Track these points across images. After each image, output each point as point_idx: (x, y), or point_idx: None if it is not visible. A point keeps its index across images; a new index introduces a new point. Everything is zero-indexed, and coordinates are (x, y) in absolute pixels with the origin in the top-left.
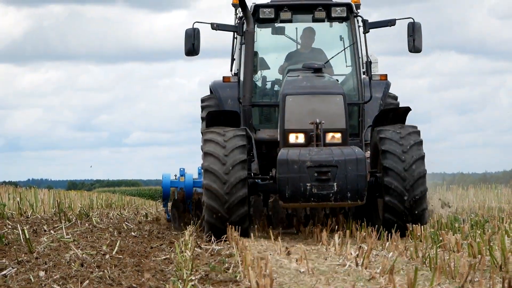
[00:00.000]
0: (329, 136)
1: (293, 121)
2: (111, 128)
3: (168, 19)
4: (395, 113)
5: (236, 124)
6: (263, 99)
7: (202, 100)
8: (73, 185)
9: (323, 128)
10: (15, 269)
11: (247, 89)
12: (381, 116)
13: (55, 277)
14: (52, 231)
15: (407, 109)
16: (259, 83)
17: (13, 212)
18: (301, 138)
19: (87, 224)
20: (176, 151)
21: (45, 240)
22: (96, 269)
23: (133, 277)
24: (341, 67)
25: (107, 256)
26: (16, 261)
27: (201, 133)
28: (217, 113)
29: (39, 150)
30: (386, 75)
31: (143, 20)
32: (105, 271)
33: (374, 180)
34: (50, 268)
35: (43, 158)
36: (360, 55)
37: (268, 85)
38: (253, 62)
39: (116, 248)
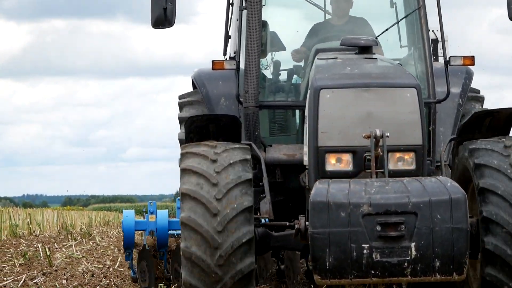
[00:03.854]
0: (396, 157)
1: (333, 133)
2: (108, 143)
3: (168, 34)
4: (495, 119)
5: (235, 137)
6: (275, 97)
7: (181, 106)
8: (69, 201)
9: (386, 145)
10: (43, 278)
11: (252, 81)
12: (471, 123)
13: (73, 285)
14: (63, 249)
15: None
16: (269, 72)
17: (24, 231)
18: (347, 162)
19: (91, 243)
20: (173, 167)
21: (59, 256)
22: (104, 279)
23: (132, 285)
24: (391, 48)
25: (111, 269)
26: (42, 272)
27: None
28: (203, 119)
29: (36, 166)
30: (473, 57)
31: (142, 35)
32: (110, 280)
33: None
34: (69, 278)
35: (39, 173)
36: (428, 29)
37: (283, 76)
38: (260, 39)
39: (118, 263)
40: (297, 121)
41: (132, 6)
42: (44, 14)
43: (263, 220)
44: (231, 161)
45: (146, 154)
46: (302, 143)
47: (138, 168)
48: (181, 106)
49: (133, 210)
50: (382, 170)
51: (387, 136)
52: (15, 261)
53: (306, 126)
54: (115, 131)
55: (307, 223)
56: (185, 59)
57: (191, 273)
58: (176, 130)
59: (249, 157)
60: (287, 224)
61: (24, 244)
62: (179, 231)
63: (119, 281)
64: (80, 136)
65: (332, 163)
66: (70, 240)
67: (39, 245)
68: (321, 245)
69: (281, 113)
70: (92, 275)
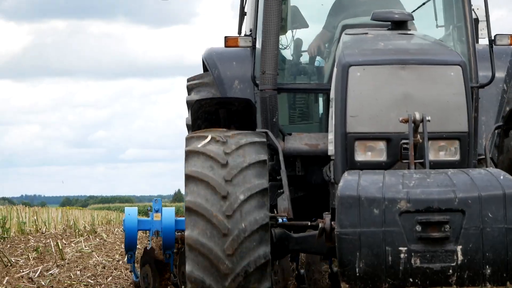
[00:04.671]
0: (437, 146)
1: (364, 118)
2: (107, 144)
3: (168, 35)
4: None
5: (248, 124)
6: (296, 79)
7: (189, 88)
8: (68, 201)
9: (427, 132)
10: (57, 270)
11: (270, 60)
12: None
13: (87, 275)
14: (72, 244)
15: None
16: (288, 53)
17: (31, 229)
18: (380, 151)
19: (97, 239)
20: (172, 167)
21: (69, 250)
22: (114, 271)
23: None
24: (426, 28)
25: (121, 262)
26: (55, 264)
27: (187, 126)
28: (212, 103)
29: (34, 166)
30: None
31: (142, 36)
32: (121, 272)
33: None
34: (82, 270)
35: (38, 174)
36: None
37: (305, 57)
38: (279, 13)
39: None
40: (321, 107)
41: (132, 7)
42: (44, 15)
43: (280, 220)
44: (244, 165)
45: (145, 155)
46: (326, 131)
47: (137, 169)
48: (190, 88)
49: (136, 207)
50: (422, 161)
51: (428, 121)
52: (29, 254)
53: (332, 110)
54: (114, 132)
55: (333, 222)
56: (185, 60)
57: (196, 265)
58: (175, 129)
59: (265, 157)
60: (309, 223)
61: (33, 240)
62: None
63: (129, 273)
64: (79, 137)
65: (363, 152)
66: (77, 236)
67: (50, 239)
68: (350, 248)
69: (302, 98)
70: (104, 267)
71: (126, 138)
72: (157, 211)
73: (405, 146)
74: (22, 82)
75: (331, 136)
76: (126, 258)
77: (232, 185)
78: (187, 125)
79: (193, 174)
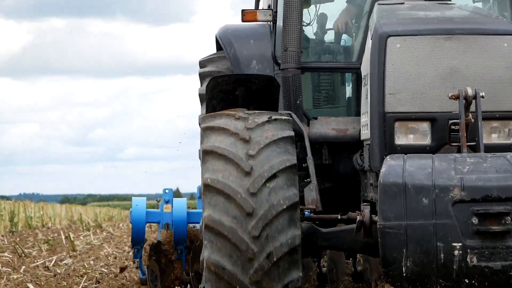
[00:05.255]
0: (489, 128)
1: (405, 95)
2: (106, 143)
3: (167, 34)
4: None
5: (270, 105)
6: (321, 58)
7: (202, 64)
8: (66, 200)
9: (481, 110)
10: (71, 260)
11: (292, 36)
12: None
13: (100, 265)
14: (81, 237)
15: None
16: (311, 32)
17: (37, 223)
18: (424, 133)
19: (104, 233)
20: (171, 166)
21: (79, 243)
22: (126, 261)
23: (129, 275)
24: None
25: (130, 253)
26: (68, 255)
27: (199, 124)
28: (230, 81)
29: (33, 165)
30: None
31: (141, 35)
32: (132, 262)
33: None
34: (94, 259)
35: (37, 173)
36: None
37: (329, 35)
38: None
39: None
40: (348, 89)
41: (131, 5)
42: (43, 13)
43: (307, 212)
44: (269, 140)
45: (144, 153)
46: (354, 116)
47: (135, 168)
48: (203, 64)
49: (145, 198)
50: (473, 144)
51: (482, 97)
52: (41, 246)
53: (366, 89)
54: (113, 131)
55: (374, 216)
56: (184, 59)
57: (215, 250)
58: (174, 129)
59: (292, 133)
60: (339, 217)
61: (41, 234)
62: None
63: (135, 269)
64: (78, 136)
65: (404, 134)
66: (84, 230)
67: (61, 232)
68: (395, 244)
69: (327, 79)
70: (115, 258)
71: (125, 137)
72: (167, 202)
73: (454, 127)
74: (22, 81)
75: (364, 118)
76: (132, 253)
77: (256, 160)
78: (200, 95)
79: (212, 149)
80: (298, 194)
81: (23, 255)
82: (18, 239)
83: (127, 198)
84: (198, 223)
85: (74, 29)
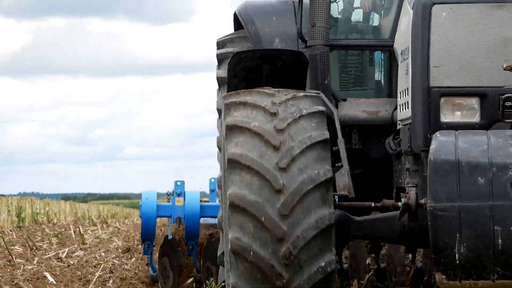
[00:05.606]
0: None
1: (452, 68)
2: (106, 142)
3: (167, 33)
4: None
5: (298, 84)
6: (348, 36)
7: (220, 44)
8: (66, 199)
9: None
10: (82, 252)
11: (320, 11)
12: None
13: (112, 256)
14: (89, 231)
15: None
16: (336, 10)
17: (43, 219)
18: (473, 109)
19: (111, 228)
20: (171, 165)
21: (88, 237)
22: (135, 253)
23: (141, 266)
24: None
25: (139, 246)
26: (79, 248)
27: (217, 111)
28: (254, 56)
29: (33, 164)
30: None
31: (141, 34)
32: (125, 265)
33: None
34: (105, 252)
35: (36, 172)
36: None
37: (357, 14)
38: None
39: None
40: (378, 69)
41: (131, 5)
42: (43, 13)
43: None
44: (299, 114)
45: (144, 153)
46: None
47: (135, 167)
48: (222, 44)
49: (155, 191)
50: None
51: None
52: (51, 239)
53: (406, 63)
54: (113, 130)
55: (423, 200)
56: (184, 58)
57: (241, 229)
58: (174, 129)
59: (323, 108)
60: (372, 205)
61: (48, 230)
62: (213, 220)
63: (146, 266)
64: (78, 135)
65: (450, 111)
66: (90, 225)
67: (71, 226)
68: (448, 228)
69: (355, 59)
70: (126, 250)
71: (125, 136)
72: (179, 195)
73: (508, 103)
74: (21, 80)
75: (403, 97)
76: (142, 249)
77: (285, 134)
78: (218, 78)
79: (238, 123)
80: (331, 170)
81: (34, 247)
82: (26, 234)
83: (127, 197)
84: (212, 217)
85: (74, 28)
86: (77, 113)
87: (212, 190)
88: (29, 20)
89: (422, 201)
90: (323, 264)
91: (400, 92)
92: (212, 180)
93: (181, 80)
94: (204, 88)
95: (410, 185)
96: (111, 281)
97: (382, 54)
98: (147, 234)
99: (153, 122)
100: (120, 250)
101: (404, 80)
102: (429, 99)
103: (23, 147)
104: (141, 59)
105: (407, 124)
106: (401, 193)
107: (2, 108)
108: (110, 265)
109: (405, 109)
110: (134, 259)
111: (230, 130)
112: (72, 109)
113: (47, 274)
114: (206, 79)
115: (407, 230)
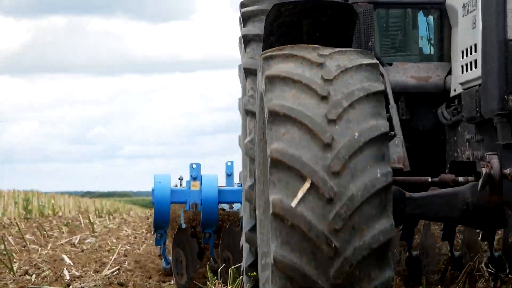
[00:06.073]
0: None
1: None
2: (105, 141)
3: (166, 31)
4: None
5: (343, 42)
6: None
7: (245, 3)
8: None
9: None
10: (93, 239)
11: None
12: None
13: (123, 243)
14: (97, 221)
15: None
16: None
17: (49, 212)
18: None
19: (117, 219)
20: (170, 164)
21: (96, 226)
22: (145, 240)
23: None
24: None
25: (148, 234)
26: (90, 235)
27: (244, 70)
28: (296, 9)
29: (32, 163)
30: None
31: (141, 33)
32: (153, 240)
33: None
34: (116, 239)
35: (36, 171)
36: None
37: None
38: None
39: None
40: (426, 31)
41: (131, 3)
42: (42, 11)
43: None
44: (350, 65)
45: (144, 151)
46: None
47: (134, 166)
48: (247, 3)
49: (169, 174)
50: None
51: None
52: (61, 228)
53: (471, 16)
54: (113, 129)
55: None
56: (183, 56)
57: (283, 186)
58: (174, 127)
59: (376, 61)
60: (429, 180)
61: (54, 222)
62: (238, 207)
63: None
64: (77, 134)
65: None
66: (97, 217)
67: (80, 215)
68: None
69: (399, 20)
70: (135, 237)
71: (125, 135)
72: (195, 179)
73: None
74: (21, 79)
75: (469, 54)
76: (154, 239)
77: (334, 85)
78: (244, 36)
79: (280, 74)
80: (387, 126)
81: (46, 235)
82: (34, 224)
83: (126, 195)
84: (231, 202)
85: (74, 26)
86: (76, 112)
87: (228, 174)
88: (29, 18)
89: (507, 171)
90: (379, 230)
91: (463, 51)
92: (229, 164)
93: (181, 78)
94: (203, 86)
95: (490, 152)
96: (126, 263)
97: (431, 12)
98: (160, 222)
99: (153, 121)
100: (130, 238)
101: (470, 35)
102: (507, 53)
103: (22, 146)
104: (140, 58)
105: (473, 86)
106: (481, 162)
107: (2, 107)
108: (124, 250)
109: (470, 70)
110: (145, 245)
111: (271, 82)
112: (71, 108)
113: (64, 256)
114: (205, 77)
115: (470, 208)
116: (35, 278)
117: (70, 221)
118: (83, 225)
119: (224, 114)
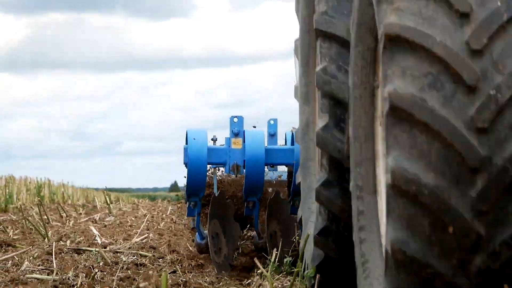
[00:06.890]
0: None
1: None
2: (104, 137)
3: (166, 28)
4: None
5: None
6: None
7: None
8: None
9: None
10: (113, 218)
11: None
12: None
13: (142, 220)
14: (111, 205)
15: None
16: None
17: (59, 200)
18: None
19: (128, 205)
20: (168, 160)
21: (111, 209)
22: (164, 218)
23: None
24: None
25: (164, 215)
26: (108, 215)
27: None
28: None
29: (31, 159)
30: None
31: (140, 29)
32: (171, 218)
33: None
34: (134, 218)
35: (35, 166)
36: None
37: None
38: None
39: (169, 211)
40: None
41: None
42: (42, 7)
43: None
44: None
45: (142, 147)
46: None
47: (133, 161)
48: None
49: (206, 130)
50: None
51: None
52: (79, 208)
53: None
54: (112, 125)
55: None
56: (183, 53)
57: (405, 146)
58: (173, 123)
59: None
60: None
61: (67, 207)
62: (281, 171)
63: (161, 226)
64: (76, 130)
65: None
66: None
67: (95, 198)
68: None
69: None
70: (152, 217)
71: (124, 131)
72: (236, 136)
73: None
74: (20, 75)
75: None
76: (187, 209)
77: (486, 59)
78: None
79: (403, 34)
80: None
81: (65, 215)
82: (48, 209)
83: (125, 191)
84: (279, 164)
85: (73, 23)
86: (76, 107)
87: (271, 135)
88: (28, 14)
89: None
90: None
91: None
92: (272, 122)
93: (181, 75)
94: (203, 83)
95: None
96: (151, 234)
97: None
98: (195, 187)
99: (152, 117)
100: (148, 216)
101: None
102: None
103: (22, 142)
104: (140, 54)
105: None
106: None
107: (1, 103)
108: (146, 225)
109: None
110: (163, 223)
111: (391, 46)
112: (71, 103)
113: (92, 228)
114: (203, 74)
115: None
116: (70, 243)
117: (86, 204)
118: (99, 207)
119: (224, 111)
